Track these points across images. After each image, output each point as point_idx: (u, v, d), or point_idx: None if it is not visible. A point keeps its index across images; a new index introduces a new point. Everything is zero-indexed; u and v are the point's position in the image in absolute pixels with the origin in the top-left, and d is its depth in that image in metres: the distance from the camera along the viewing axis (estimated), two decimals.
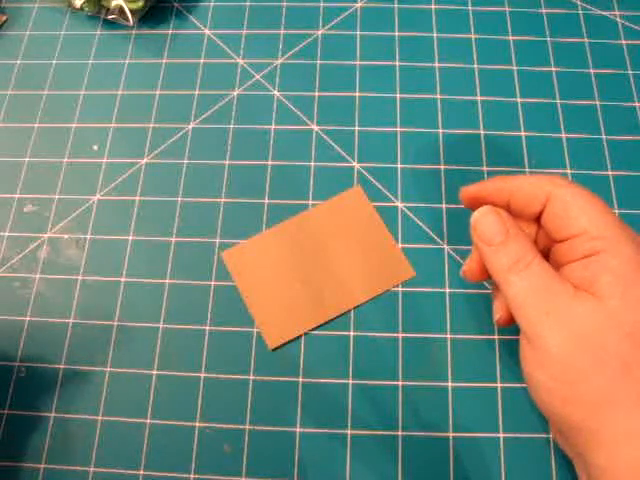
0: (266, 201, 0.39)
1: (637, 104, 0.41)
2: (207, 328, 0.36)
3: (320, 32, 0.45)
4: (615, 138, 0.40)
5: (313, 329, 0.36)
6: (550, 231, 0.27)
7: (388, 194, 0.39)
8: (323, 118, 0.42)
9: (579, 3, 0.45)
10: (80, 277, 0.38)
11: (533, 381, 0.25)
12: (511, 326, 0.29)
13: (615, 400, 0.22)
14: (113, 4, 0.45)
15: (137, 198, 0.40)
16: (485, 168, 0.40)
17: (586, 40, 0.44)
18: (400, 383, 0.34)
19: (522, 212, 0.28)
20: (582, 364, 0.23)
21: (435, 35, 0.45)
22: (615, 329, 0.22)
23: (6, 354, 0.36)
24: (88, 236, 0.39)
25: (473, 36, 0.45)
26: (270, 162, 0.41)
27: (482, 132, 0.41)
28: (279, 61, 0.45)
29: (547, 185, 0.26)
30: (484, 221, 0.27)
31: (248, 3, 0.47)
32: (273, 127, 0.42)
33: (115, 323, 0.37)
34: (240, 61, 0.45)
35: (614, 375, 0.22)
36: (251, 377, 0.35)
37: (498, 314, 0.29)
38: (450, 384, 0.34)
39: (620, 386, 0.22)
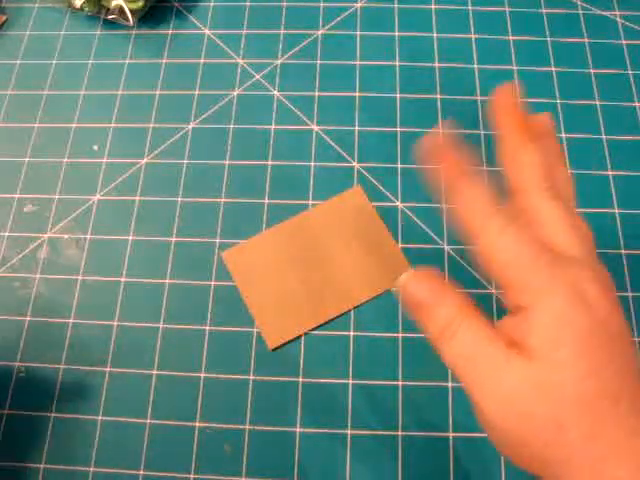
0: (266, 201, 0.39)
1: (637, 104, 0.41)
2: (207, 328, 0.36)
3: (320, 32, 0.45)
4: (615, 138, 0.40)
5: (313, 329, 0.36)
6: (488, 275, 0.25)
7: (388, 194, 0.39)
8: (323, 118, 0.42)
9: (579, 3, 0.45)
10: (80, 277, 0.38)
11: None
12: None
13: (558, 460, 0.22)
14: (113, 4, 0.45)
15: (137, 198, 0.40)
16: (486, 168, 0.40)
17: (586, 40, 0.44)
18: (400, 383, 0.34)
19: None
20: (518, 431, 0.23)
21: (435, 35, 0.45)
22: (543, 395, 0.22)
23: (6, 354, 0.36)
24: (88, 236, 0.39)
25: (473, 36, 0.45)
26: (270, 162, 0.41)
27: (482, 132, 0.41)
28: (279, 61, 0.45)
29: (477, 227, 0.24)
30: (408, 287, 0.26)
31: (248, 3, 0.47)
32: (273, 127, 0.42)
33: (115, 323, 0.37)
34: (240, 61, 0.45)
35: (550, 439, 0.22)
36: (251, 377, 0.35)
37: None
38: (450, 384, 0.34)
39: (558, 450, 0.22)
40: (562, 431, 0.22)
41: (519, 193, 0.26)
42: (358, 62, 0.44)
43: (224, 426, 0.34)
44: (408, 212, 0.38)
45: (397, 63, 0.44)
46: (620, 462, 0.21)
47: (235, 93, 0.43)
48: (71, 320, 0.37)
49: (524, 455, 0.23)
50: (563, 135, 0.41)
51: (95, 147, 0.42)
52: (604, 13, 0.45)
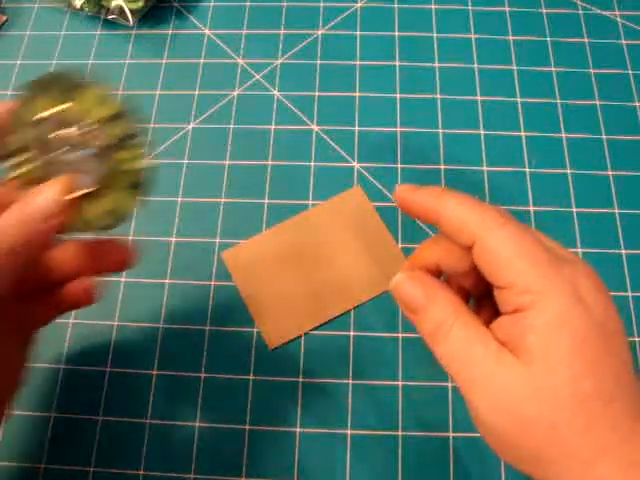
0: (266, 201, 0.39)
1: (637, 104, 0.41)
2: (207, 328, 0.36)
3: (320, 32, 0.45)
4: (615, 138, 0.40)
5: (313, 329, 0.36)
6: (482, 273, 0.25)
7: (388, 194, 0.39)
8: (323, 118, 0.42)
9: (579, 3, 0.45)
10: None
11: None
12: None
13: (550, 460, 0.22)
14: (113, 4, 0.45)
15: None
16: (485, 168, 0.40)
17: (586, 40, 0.44)
18: (400, 383, 0.34)
19: (454, 240, 0.26)
20: (511, 431, 0.23)
21: (435, 35, 0.45)
22: (536, 396, 0.22)
23: None
24: (88, 235, 0.39)
25: (473, 36, 0.45)
26: (270, 162, 0.41)
27: (482, 132, 0.41)
28: (279, 61, 0.45)
29: (474, 225, 0.24)
30: (402, 288, 0.26)
31: (248, 3, 0.47)
32: (273, 127, 0.42)
33: (115, 323, 0.37)
34: (240, 61, 0.45)
35: (543, 439, 0.22)
36: (251, 377, 0.35)
37: None
38: (450, 384, 0.34)
39: (550, 450, 0.22)
40: (555, 431, 0.22)
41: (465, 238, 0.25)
42: (358, 62, 0.44)
43: (224, 426, 0.34)
44: None
45: (397, 63, 0.44)
46: (610, 462, 0.21)
47: (235, 93, 0.43)
48: (71, 320, 0.37)
49: (516, 455, 0.23)
50: (563, 135, 0.41)
51: None
52: (604, 13, 0.45)
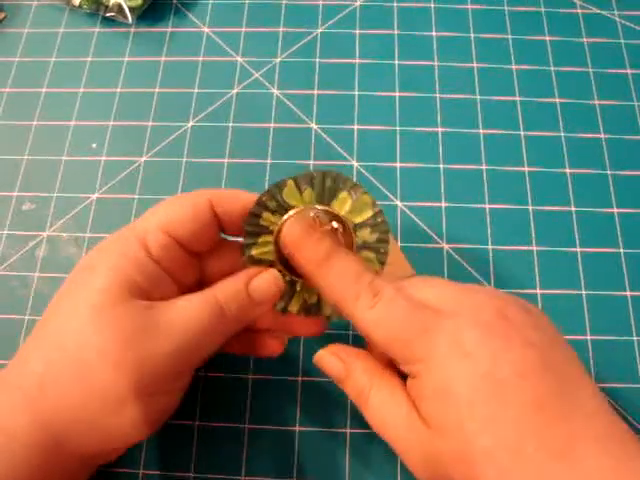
0: None
1: (637, 104, 0.41)
2: None
3: (319, 30, 0.45)
4: (615, 138, 0.40)
5: None
6: None
7: (388, 193, 0.39)
8: (322, 116, 0.42)
9: (578, 2, 0.45)
10: None
11: None
12: None
13: None
14: (112, 1, 0.45)
15: (136, 196, 0.40)
16: (484, 167, 0.40)
17: (585, 40, 0.44)
18: None
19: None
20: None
21: (434, 34, 0.45)
22: (444, 457, 0.23)
23: (5, 354, 0.36)
24: (87, 234, 0.39)
25: (472, 35, 0.45)
26: (269, 160, 0.41)
27: (481, 131, 0.41)
28: (278, 59, 0.44)
29: (349, 306, 0.25)
30: (323, 363, 0.28)
31: (247, 1, 0.47)
32: (272, 125, 0.42)
33: None
34: (239, 59, 0.45)
35: None
36: (250, 376, 0.35)
37: None
38: None
39: None
40: None
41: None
42: (357, 60, 0.44)
43: (224, 425, 0.34)
44: (408, 212, 0.38)
45: (396, 62, 0.44)
46: None
47: (234, 91, 0.43)
48: None
49: None
50: (562, 135, 0.41)
51: (94, 145, 0.42)
52: (603, 12, 0.45)
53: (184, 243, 0.27)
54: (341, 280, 0.26)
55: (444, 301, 0.25)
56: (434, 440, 0.23)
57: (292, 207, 0.28)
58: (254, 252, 0.28)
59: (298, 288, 0.29)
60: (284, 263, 0.28)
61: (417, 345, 0.24)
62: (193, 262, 0.29)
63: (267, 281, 0.27)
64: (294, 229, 0.27)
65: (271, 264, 0.28)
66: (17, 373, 0.25)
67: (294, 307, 0.29)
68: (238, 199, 0.28)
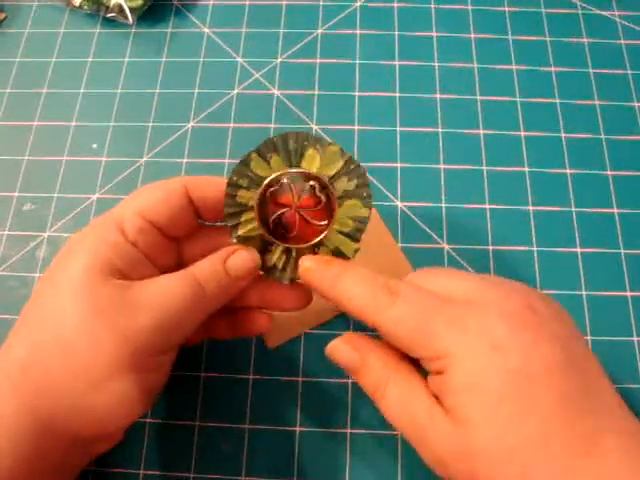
0: None
1: (636, 104, 0.41)
2: None
3: (320, 31, 0.45)
4: (615, 138, 0.40)
5: (313, 329, 0.36)
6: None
7: (388, 194, 0.39)
8: (322, 117, 0.42)
9: (579, 3, 0.45)
10: None
11: None
12: None
13: None
14: (112, 2, 0.45)
15: None
16: (485, 167, 0.40)
17: (585, 40, 0.44)
18: None
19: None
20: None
21: (435, 34, 0.45)
22: (467, 453, 0.22)
23: None
24: None
25: (473, 36, 0.45)
26: None
27: (482, 132, 0.41)
28: (279, 60, 0.44)
29: (368, 310, 0.25)
30: (338, 353, 0.27)
31: (248, 2, 0.47)
32: (273, 126, 0.42)
33: None
34: (240, 60, 0.45)
35: None
36: (251, 376, 0.35)
37: None
38: None
39: None
40: None
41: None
42: (358, 61, 0.44)
43: (224, 425, 0.34)
44: (408, 212, 0.38)
45: (397, 62, 0.44)
46: None
47: (235, 92, 0.43)
48: None
49: None
50: (562, 135, 0.41)
51: (94, 145, 0.42)
52: (603, 13, 0.45)
53: (161, 227, 0.28)
54: (356, 290, 0.26)
55: (466, 292, 0.24)
56: (461, 434, 0.22)
57: (264, 178, 0.28)
58: (241, 232, 0.28)
59: (294, 254, 0.29)
60: (273, 233, 0.28)
61: (442, 338, 0.23)
62: (172, 246, 0.29)
63: (243, 258, 0.27)
64: (303, 265, 0.27)
65: (261, 237, 0.28)
66: (3, 360, 0.25)
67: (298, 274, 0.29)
68: (211, 184, 0.29)
